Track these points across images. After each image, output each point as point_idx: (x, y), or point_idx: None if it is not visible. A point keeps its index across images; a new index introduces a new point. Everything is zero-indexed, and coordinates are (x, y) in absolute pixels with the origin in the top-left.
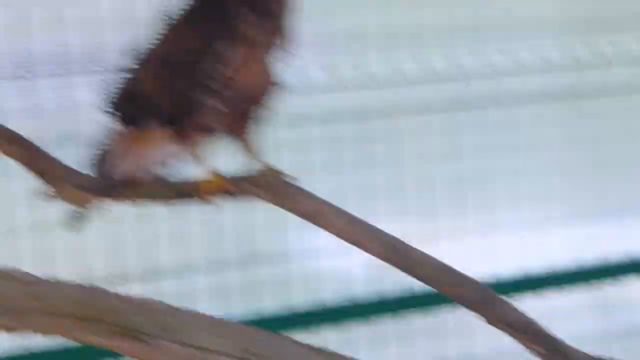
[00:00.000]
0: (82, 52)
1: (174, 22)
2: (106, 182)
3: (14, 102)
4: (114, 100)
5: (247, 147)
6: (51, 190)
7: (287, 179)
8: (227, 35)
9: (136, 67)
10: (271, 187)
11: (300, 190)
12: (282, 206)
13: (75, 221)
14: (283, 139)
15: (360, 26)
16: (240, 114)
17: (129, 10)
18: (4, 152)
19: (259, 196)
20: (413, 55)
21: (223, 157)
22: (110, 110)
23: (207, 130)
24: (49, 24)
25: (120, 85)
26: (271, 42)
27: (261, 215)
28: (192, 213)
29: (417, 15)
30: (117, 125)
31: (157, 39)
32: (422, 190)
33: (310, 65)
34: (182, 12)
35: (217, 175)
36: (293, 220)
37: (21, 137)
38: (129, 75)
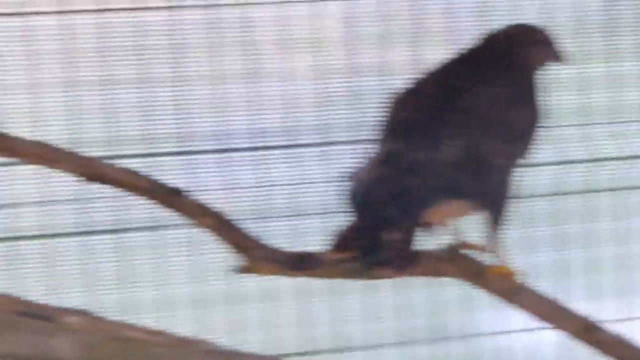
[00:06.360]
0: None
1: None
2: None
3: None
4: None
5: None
6: (244, 262)
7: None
8: None
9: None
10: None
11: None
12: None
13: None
14: None
15: None
16: None
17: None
18: (200, 224)
19: (451, 274)
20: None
21: None
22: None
23: None
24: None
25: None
26: None
27: (452, 292)
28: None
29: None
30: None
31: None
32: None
33: None
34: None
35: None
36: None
37: (215, 210)
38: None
